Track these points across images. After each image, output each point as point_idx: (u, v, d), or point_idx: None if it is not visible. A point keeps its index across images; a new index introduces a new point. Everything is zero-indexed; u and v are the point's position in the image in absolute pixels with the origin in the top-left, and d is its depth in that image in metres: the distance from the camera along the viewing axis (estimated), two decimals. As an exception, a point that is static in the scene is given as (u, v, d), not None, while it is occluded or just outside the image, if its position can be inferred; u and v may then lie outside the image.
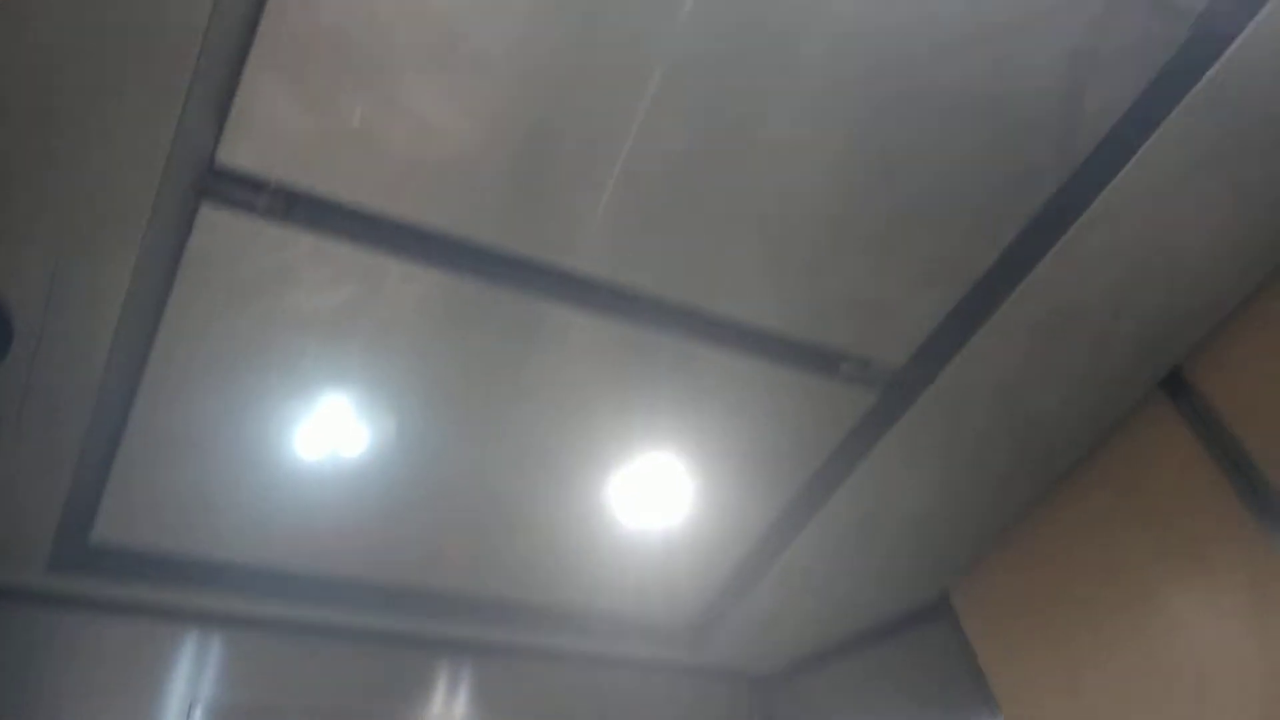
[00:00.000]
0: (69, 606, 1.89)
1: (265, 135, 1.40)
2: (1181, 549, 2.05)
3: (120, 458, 1.71)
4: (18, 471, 1.65)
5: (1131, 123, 1.62)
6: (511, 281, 1.66)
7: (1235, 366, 2.04)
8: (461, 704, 2.18)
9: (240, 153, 1.42)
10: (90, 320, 1.51)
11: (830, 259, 1.74)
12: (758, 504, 2.13)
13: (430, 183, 1.50)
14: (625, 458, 1.97)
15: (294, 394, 1.70)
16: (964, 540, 2.36)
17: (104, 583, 1.90)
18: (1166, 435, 2.12)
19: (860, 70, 1.50)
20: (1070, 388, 2.04)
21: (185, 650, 1.96)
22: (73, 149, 1.34)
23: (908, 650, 2.49)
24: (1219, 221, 1.81)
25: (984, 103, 1.57)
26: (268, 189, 1.46)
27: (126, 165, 1.38)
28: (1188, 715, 1.95)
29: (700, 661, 2.49)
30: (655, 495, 2.04)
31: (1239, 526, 1.96)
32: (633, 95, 1.47)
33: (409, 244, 1.57)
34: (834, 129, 1.57)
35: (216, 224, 1.47)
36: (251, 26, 1.32)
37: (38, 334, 1.50)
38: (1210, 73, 1.55)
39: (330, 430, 1.76)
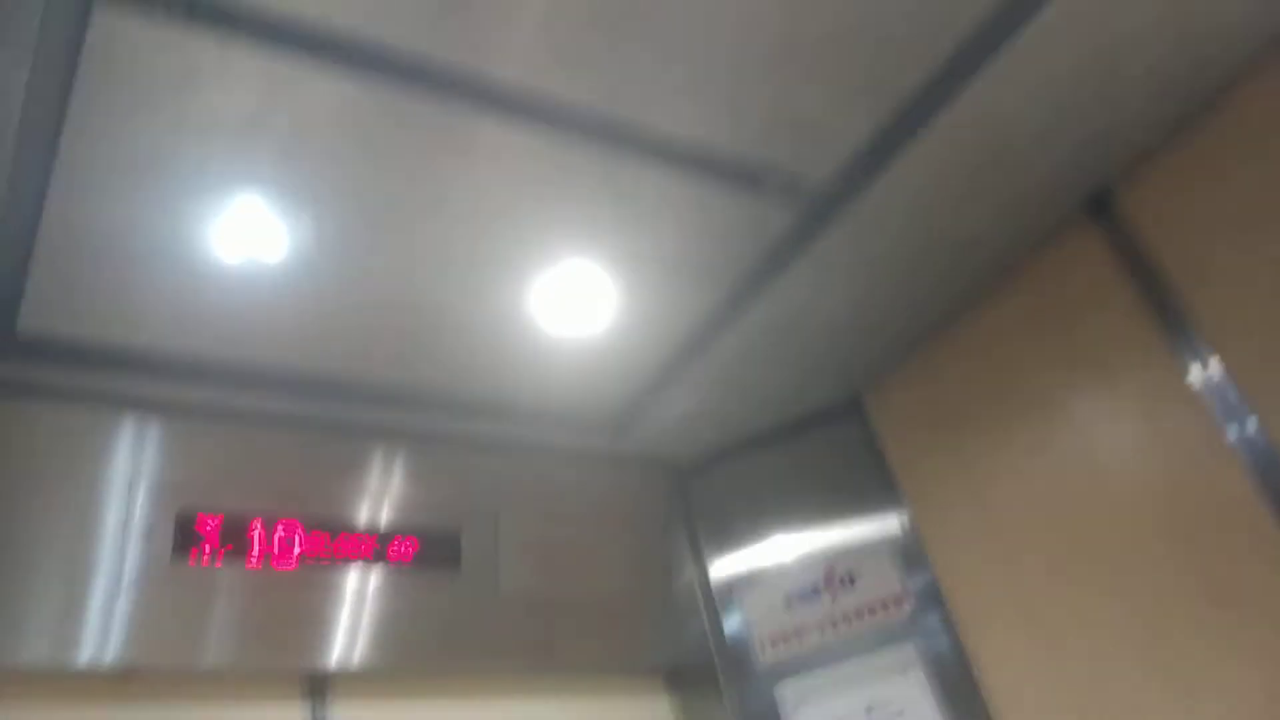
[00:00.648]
0: (3, 392, 1.94)
1: (158, -68, 1.33)
2: (1087, 360, 2.15)
3: (39, 252, 1.72)
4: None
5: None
6: (428, 86, 1.61)
7: (1161, 190, 2.06)
8: (392, 487, 2.31)
9: (132, -50, 1.35)
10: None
11: (761, 73, 1.71)
12: (680, 309, 2.19)
13: (338, -19, 1.44)
14: (548, 263, 2.00)
15: (208, 197, 1.69)
16: (879, 348, 2.46)
17: (35, 371, 1.95)
18: (1084, 254, 2.17)
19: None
20: (993, 208, 2.07)
21: (123, 434, 2.04)
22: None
23: (822, 445, 2.64)
24: (1154, 49, 1.78)
25: (919, -77, 1.50)
26: (165, -10, 1.40)
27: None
28: (1084, 513, 2.11)
29: (623, 451, 2.64)
30: (579, 298, 2.09)
31: (1146, 341, 2.05)
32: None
33: (317, 47, 1.51)
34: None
35: (113, 25, 1.41)
36: None
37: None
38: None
39: (249, 232, 1.77)
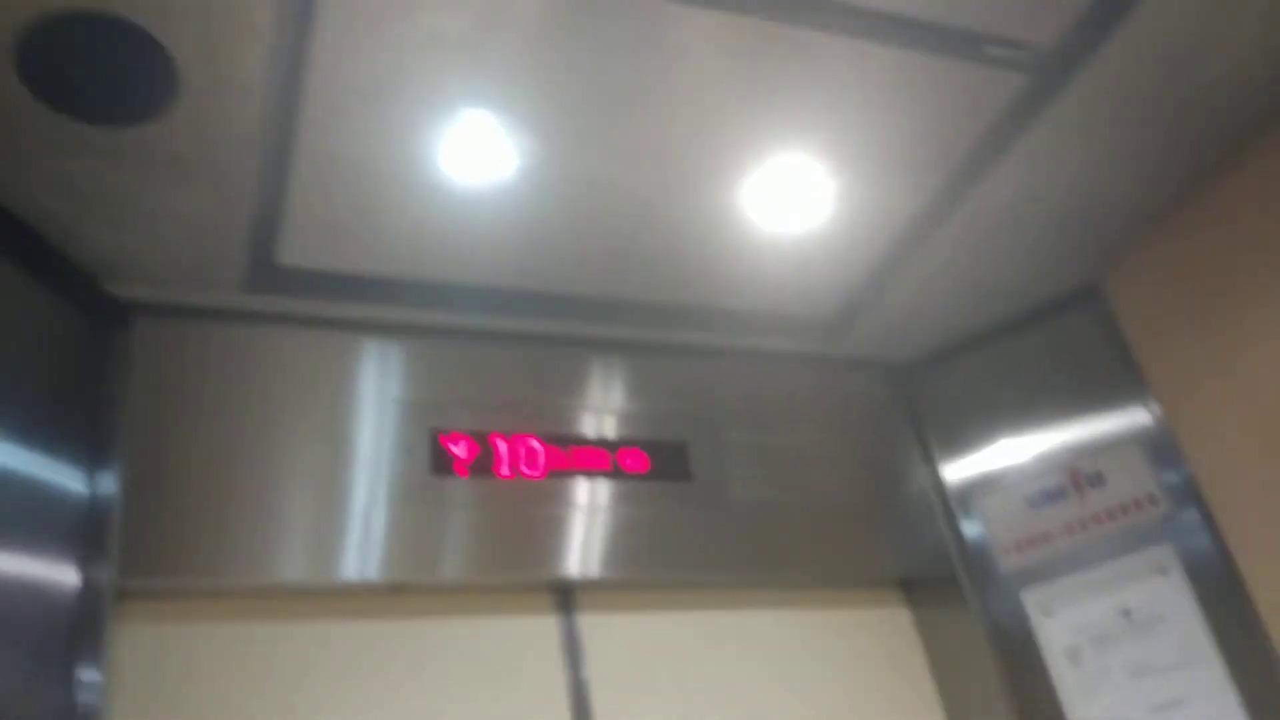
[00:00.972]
0: (264, 323, 2.09)
1: None
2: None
3: (292, 187, 1.82)
4: (203, 204, 1.79)
5: None
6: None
7: None
8: (611, 396, 2.36)
9: None
10: (245, 57, 1.56)
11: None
12: (898, 198, 2.11)
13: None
14: (760, 159, 1.97)
15: (437, 118, 1.75)
16: (1118, 224, 2.30)
17: (292, 301, 2.08)
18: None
19: None
20: (1242, 55, 1.89)
21: (370, 358, 2.16)
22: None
23: (1055, 336, 2.50)
24: None
25: None
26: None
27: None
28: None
29: (843, 353, 2.58)
30: (791, 194, 2.05)
31: None
32: None
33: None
34: None
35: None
36: None
37: (201, 75, 1.57)
38: None
39: (477, 150, 1.83)
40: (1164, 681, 2.15)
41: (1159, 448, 2.29)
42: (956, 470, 2.52)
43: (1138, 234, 2.34)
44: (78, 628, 1.67)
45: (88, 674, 1.65)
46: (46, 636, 1.62)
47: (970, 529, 2.45)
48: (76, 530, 1.73)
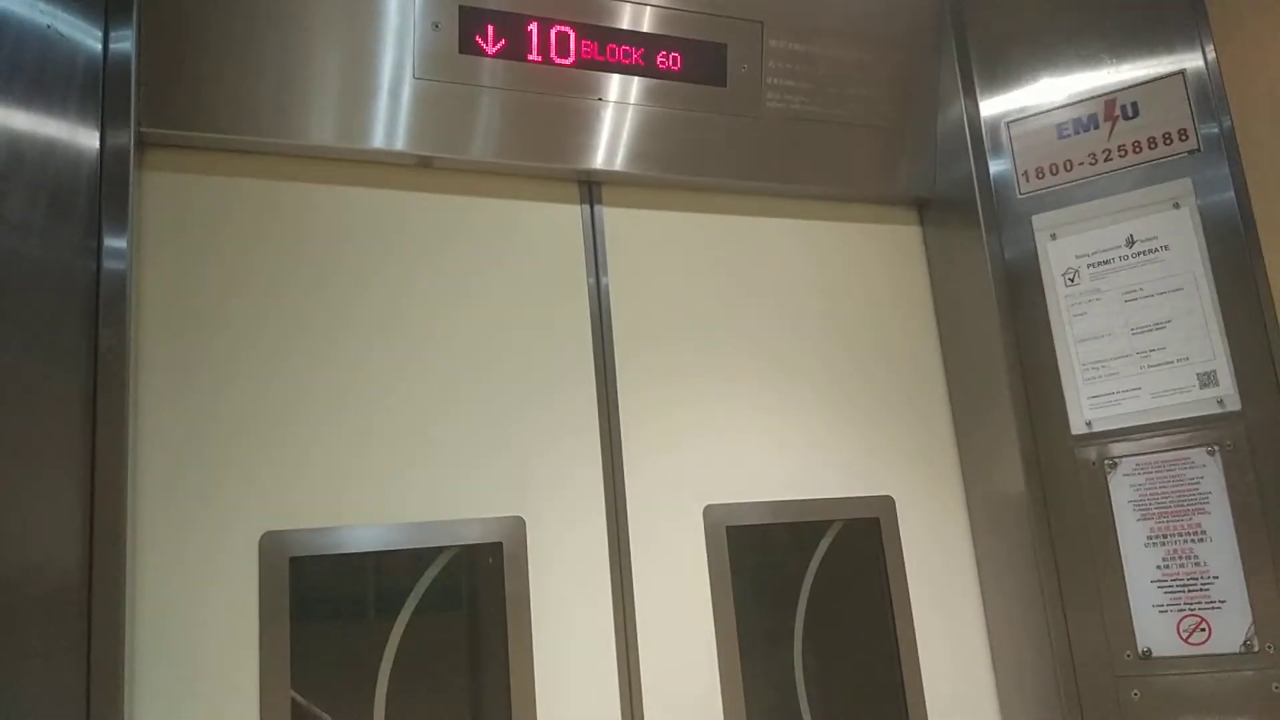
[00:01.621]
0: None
1: None
2: None
3: None
4: None
5: None
6: None
7: None
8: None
9: None
10: None
11: None
12: None
13: None
14: None
15: None
16: None
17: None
18: None
19: None
20: None
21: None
22: None
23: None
24: None
25: None
26: None
27: None
28: None
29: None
30: None
31: None
32: None
33: None
34: None
35: None
36: None
37: None
38: None
39: None
40: (1152, 305, 2.22)
41: (1204, 90, 2.20)
42: (994, 103, 2.41)
43: None
44: (102, 186, 1.66)
45: (113, 237, 1.65)
46: (69, 196, 1.61)
47: (996, 155, 2.39)
48: (94, 85, 1.68)
